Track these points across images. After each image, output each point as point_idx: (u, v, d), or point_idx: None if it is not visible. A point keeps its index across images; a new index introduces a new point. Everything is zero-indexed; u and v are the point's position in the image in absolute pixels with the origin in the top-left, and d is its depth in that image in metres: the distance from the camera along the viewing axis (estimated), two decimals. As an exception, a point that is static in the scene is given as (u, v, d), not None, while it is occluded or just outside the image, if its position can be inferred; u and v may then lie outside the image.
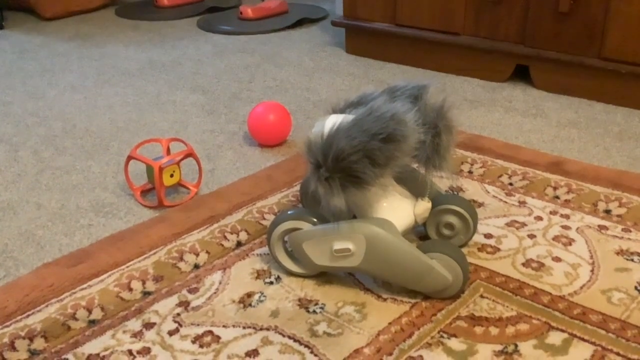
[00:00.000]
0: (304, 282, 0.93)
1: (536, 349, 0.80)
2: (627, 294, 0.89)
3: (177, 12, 2.54)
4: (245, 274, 0.95)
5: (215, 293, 0.91)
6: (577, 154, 1.33)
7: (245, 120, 1.48)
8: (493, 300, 0.88)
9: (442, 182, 0.92)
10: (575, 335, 0.82)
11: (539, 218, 1.08)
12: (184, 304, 0.89)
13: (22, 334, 0.83)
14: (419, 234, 1.02)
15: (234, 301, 0.89)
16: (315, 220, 0.91)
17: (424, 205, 0.93)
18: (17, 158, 1.35)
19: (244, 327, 0.84)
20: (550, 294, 0.89)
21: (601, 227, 1.05)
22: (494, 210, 1.10)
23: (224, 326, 0.85)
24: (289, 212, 0.93)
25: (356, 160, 0.80)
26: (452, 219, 0.97)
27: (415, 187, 0.95)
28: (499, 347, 0.80)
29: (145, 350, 0.81)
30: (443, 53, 1.80)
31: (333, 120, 0.85)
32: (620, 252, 0.98)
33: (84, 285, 0.92)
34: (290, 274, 0.94)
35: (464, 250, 0.99)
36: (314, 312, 0.87)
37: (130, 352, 0.81)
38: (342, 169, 0.81)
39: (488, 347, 0.80)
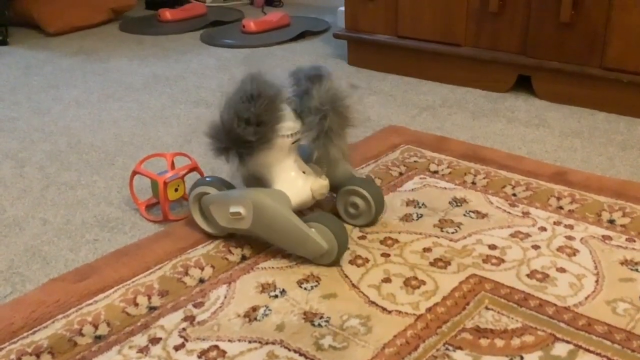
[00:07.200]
0: (309, 296, 0.93)
1: (542, 360, 0.80)
2: (632, 305, 0.89)
3: (180, 26, 2.56)
4: (250, 288, 0.95)
5: (220, 307, 0.91)
6: (580, 164, 1.33)
7: (249, 134, 1.49)
8: (498, 312, 0.88)
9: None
10: (580, 347, 0.82)
11: (543, 229, 1.08)
12: (190, 319, 0.89)
13: (29, 350, 0.84)
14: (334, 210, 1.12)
15: (239, 315, 0.90)
16: (224, 187, 1.04)
17: (320, 183, 1.03)
18: (23, 174, 1.36)
19: (249, 341, 0.85)
20: (555, 305, 0.89)
21: (605, 237, 1.05)
22: (497, 221, 1.11)
23: (229, 340, 0.85)
24: (206, 179, 1.06)
25: (237, 126, 0.93)
26: (357, 200, 1.08)
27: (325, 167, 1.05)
28: (504, 359, 0.80)
29: (152, 366, 0.81)
30: (445, 64, 1.81)
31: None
32: (624, 262, 0.98)
33: (90, 301, 0.93)
34: (205, 233, 1.07)
35: (473, 260, 0.99)
36: (319, 325, 0.87)
37: (136, 367, 0.81)
38: (234, 140, 0.94)
39: None
